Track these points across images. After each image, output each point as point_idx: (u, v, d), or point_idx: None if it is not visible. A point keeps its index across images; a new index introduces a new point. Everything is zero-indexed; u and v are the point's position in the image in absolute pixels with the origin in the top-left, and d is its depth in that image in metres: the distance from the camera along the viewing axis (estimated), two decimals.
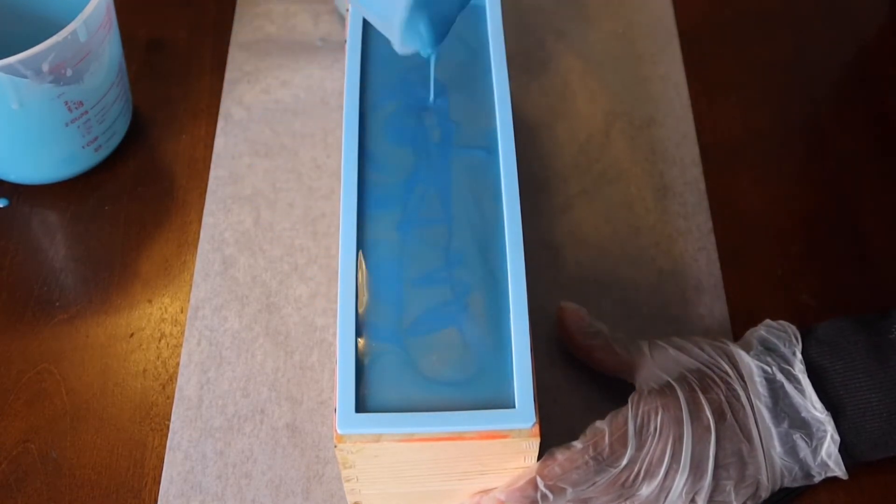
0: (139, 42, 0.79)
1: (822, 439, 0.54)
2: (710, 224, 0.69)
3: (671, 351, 0.57)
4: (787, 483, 0.56)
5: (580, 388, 0.62)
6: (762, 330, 0.58)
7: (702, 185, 0.71)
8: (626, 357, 0.58)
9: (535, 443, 0.51)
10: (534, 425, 0.50)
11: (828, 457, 0.54)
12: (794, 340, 0.57)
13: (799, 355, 0.56)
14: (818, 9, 0.81)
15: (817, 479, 0.56)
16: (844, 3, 0.82)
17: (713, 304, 0.66)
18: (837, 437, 0.54)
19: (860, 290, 0.67)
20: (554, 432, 0.54)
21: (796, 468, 0.55)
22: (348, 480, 0.53)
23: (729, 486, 0.54)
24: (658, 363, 0.57)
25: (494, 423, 0.50)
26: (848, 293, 0.67)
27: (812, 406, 0.54)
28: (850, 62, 0.79)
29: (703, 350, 0.57)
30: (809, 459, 0.55)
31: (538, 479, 0.53)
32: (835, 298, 0.66)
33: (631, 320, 0.65)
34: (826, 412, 0.54)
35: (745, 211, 0.70)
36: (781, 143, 0.74)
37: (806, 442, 0.54)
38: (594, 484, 0.53)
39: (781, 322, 0.58)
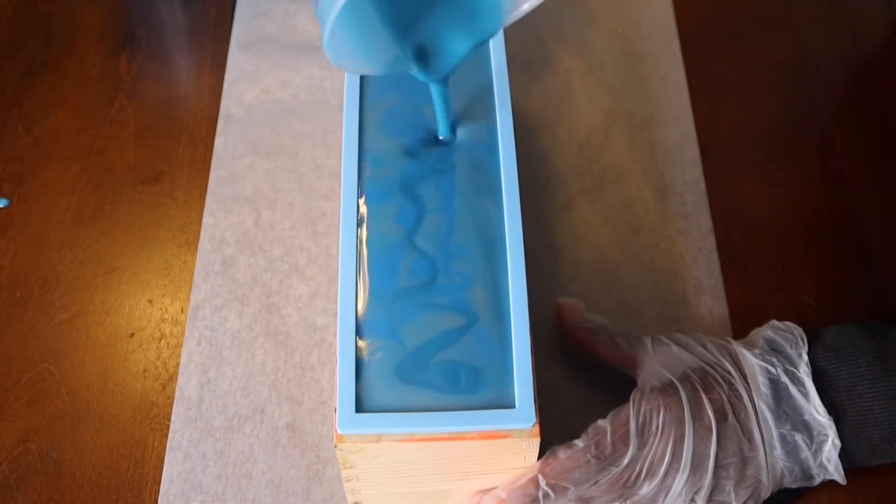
0: (139, 42, 0.79)
1: (822, 443, 0.54)
2: (710, 224, 0.69)
3: (674, 348, 0.57)
4: (788, 483, 0.55)
5: (580, 388, 0.62)
6: (769, 330, 0.58)
7: (702, 185, 0.71)
8: (628, 352, 0.58)
9: (536, 443, 0.51)
10: (534, 425, 0.50)
11: (827, 461, 0.54)
12: (801, 342, 0.56)
13: (805, 358, 0.56)
14: (818, 9, 0.81)
15: (817, 480, 0.55)
16: (844, 4, 0.82)
17: (713, 304, 0.66)
18: (838, 442, 0.54)
19: (860, 289, 0.67)
20: (554, 432, 0.54)
21: (797, 469, 0.55)
22: (348, 480, 0.53)
23: (729, 485, 0.54)
24: (661, 360, 0.57)
25: (494, 423, 0.50)
26: (848, 293, 0.67)
27: (815, 410, 0.54)
28: (850, 62, 0.79)
29: (706, 348, 0.57)
30: (810, 461, 0.55)
31: (540, 478, 0.53)
32: (835, 298, 0.66)
33: (631, 320, 0.65)
34: (828, 416, 0.54)
35: (745, 210, 0.70)
36: (781, 143, 0.74)
37: (806, 444, 0.54)
38: (596, 483, 0.53)
39: (788, 323, 0.58)
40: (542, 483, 0.53)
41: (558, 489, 0.53)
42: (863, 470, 0.58)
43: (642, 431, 0.53)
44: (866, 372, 0.55)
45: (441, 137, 0.58)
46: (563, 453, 0.53)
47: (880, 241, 0.69)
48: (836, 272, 0.68)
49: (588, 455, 0.53)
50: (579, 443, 0.53)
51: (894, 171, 0.72)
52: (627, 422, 0.53)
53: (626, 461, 0.53)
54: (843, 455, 0.55)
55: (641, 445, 0.53)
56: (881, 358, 0.55)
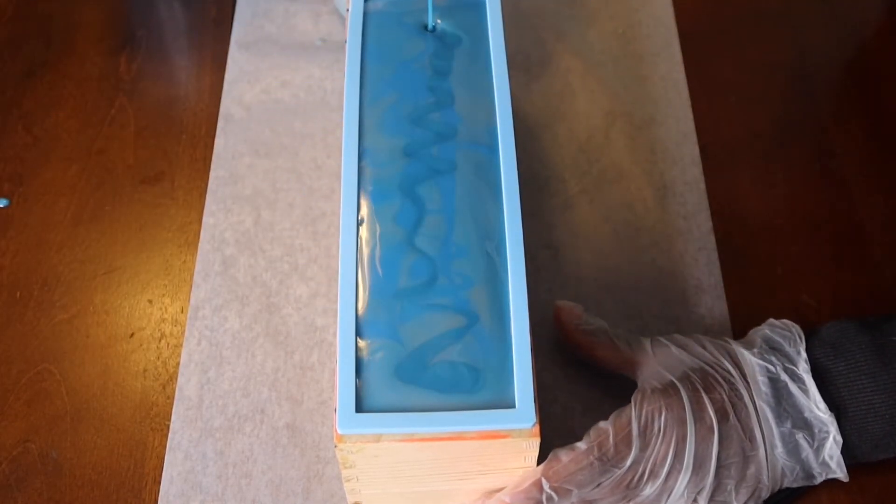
0: (139, 42, 0.79)
1: (824, 440, 0.54)
2: (710, 224, 0.69)
3: (673, 349, 0.57)
4: (788, 483, 0.55)
5: (580, 388, 0.62)
6: (766, 329, 0.58)
7: (702, 185, 0.71)
8: (628, 354, 0.58)
9: (535, 443, 0.51)
10: (534, 425, 0.50)
11: (829, 458, 0.54)
12: (799, 340, 0.57)
13: (803, 355, 0.56)
14: (818, 9, 0.82)
15: (818, 479, 0.55)
16: (844, 3, 0.82)
17: (713, 304, 0.66)
18: (840, 438, 0.54)
19: (860, 289, 0.67)
20: (554, 432, 0.54)
21: (798, 468, 0.55)
22: (348, 480, 0.53)
23: (730, 485, 0.54)
24: (660, 361, 0.57)
25: (494, 423, 0.50)
26: (848, 293, 0.67)
27: (815, 406, 0.54)
28: (850, 62, 0.79)
29: (705, 348, 0.57)
30: (811, 459, 0.55)
31: (543, 481, 0.53)
32: (835, 298, 0.66)
33: (631, 320, 0.65)
34: (829, 413, 0.54)
35: (745, 210, 0.70)
36: (781, 143, 0.74)
37: (808, 442, 0.54)
38: (599, 485, 0.53)
39: (785, 321, 0.58)
40: (546, 486, 0.53)
41: (561, 492, 0.53)
42: (863, 469, 0.58)
43: (644, 433, 0.53)
44: (865, 366, 0.55)
45: (429, 27, 0.61)
46: (565, 456, 0.53)
47: (880, 241, 0.69)
48: (836, 272, 0.68)
49: (591, 457, 0.53)
50: (582, 445, 0.53)
51: (894, 171, 0.72)
52: (629, 423, 0.53)
53: (628, 463, 0.53)
54: (846, 451, 0.55)
55: (644, 447, 0.53)
56: (879, 352, 0.55)
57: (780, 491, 0.57)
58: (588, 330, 0.60)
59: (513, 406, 0.50)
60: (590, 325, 0.60)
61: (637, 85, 0.77)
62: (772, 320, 0.59)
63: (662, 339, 0.58)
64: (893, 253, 0.68)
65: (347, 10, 0.63)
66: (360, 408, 0.50)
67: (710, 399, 0.54)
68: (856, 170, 0.72)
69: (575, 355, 0.62)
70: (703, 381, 0.55)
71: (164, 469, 0.60)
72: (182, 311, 0.66)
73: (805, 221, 0.70)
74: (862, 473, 0.58)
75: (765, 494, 0.55)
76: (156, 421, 0.62)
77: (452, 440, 0.50)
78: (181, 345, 0.65)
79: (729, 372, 0.55)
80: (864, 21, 0.81)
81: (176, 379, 0.63)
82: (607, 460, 0.53)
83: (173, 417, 0.62)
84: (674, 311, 0.66)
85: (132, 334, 0.65)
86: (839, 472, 0.55)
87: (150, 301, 0.67)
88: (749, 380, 0.55)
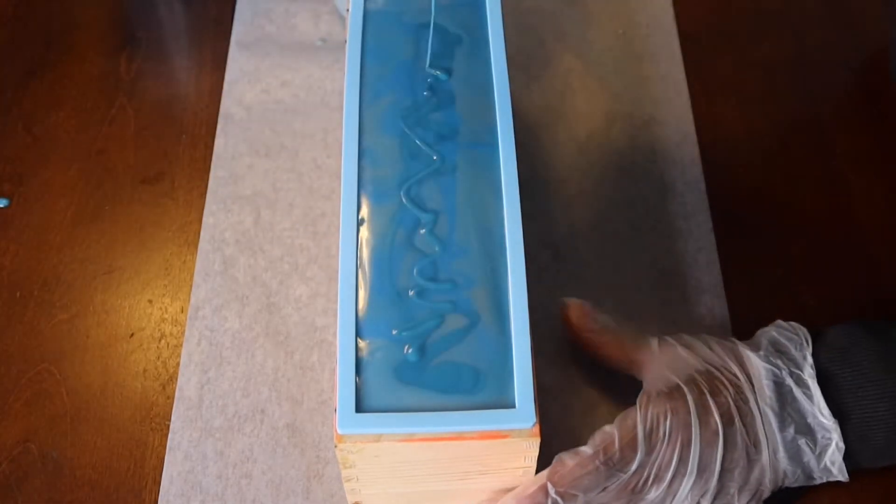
0: (139, 42, 0.79)
1: (826, 446, 0.54)
2: (710, 224, 0.69)
3: (680, 350, 0.57)
4: (790, 484, 0.55)
5: (580, 388, 0.62)
6: (773, 331, 0.57)
7: (702, 185, 0.71)
8: (634, 353, 0.58)
9: (536, 442, 0.51)
10: (534, 425, 0.50)
11: (831, 463, 0.54)
12: (805, 343, 0.56)
13: (809, 359, 0.55)
14: (818, 9, 0.82)
15: (818, 481, 0.55)
16: (844, 3, 0.82)
17: (713, 304, 0.66)
18: (842, 445, 0.54)
19: (861, 289, 0.67)
20: (554, 432, 0.54)
21: (799, 471, 0.55)
22: (348, 480, 0.53)
23: (733, 488, 0.54)
24: (666, 362, 0.56)
25: (494, 423, 0.50)
26: (848, 293, 0.67)
27: (819, 412, 0.54)
28: (850, 62, 0.79)
29: (712, 350, 0.56)
30: (813, 464, 0.54)
31: (549, 486, 0.52)
32: (835, 298, 0.66)
33: (631, 320, 0.65)
34: (833, 419, 0.54)
35: (745, 211, 0.70)
36: (781, 143, 0.74)
37: (810, 448, 0.54)
38: (604, 489, 0.53)
39: (792, 324, 0.58)
40: (552, 491, 0.52)
41: (567, 497, 0.53)
42: (864, 469, 0.58)
43: (650, 437, 0.53)
44: (871, 373, 0.55)
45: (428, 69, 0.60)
46: (571, 460, 0.53)
47: (880, 241, 0.69)
48: (836, 272, 0.68)
49: (596, 462, 0.52)
50: (587, 449, 0.53)
51: (894, 171, 0.72)
52: (635, 427, 0.53)
53: (634, 467, 0.53)
54: (848, 457, 0.55)
55: (649, 451, 0.53)
56: (884, 359, 0.55)
57: (781, 491, 0.57)
58: (595, 328, 0.60)
59: (513, 406, 0.50)
60: (597, 323, 0.60)
61: (637, 85, 0.77)
62: (779, 322, 0.58)
63: (669, 339, 0.58)
64: (893, 253, 0.68)
65: (347, 11, 0.63)
66: (360, 408, 0.50)
67: (716, 403, 0.54)
68: (856, 170, 0.72)
69: (580, 353, 0.62)
70: (709, 385, 0.55)
71: (164, 469, 0.60)
72: (182, 311, 0.66)
73: (805, 222, 0.70)
74: (863, 474, 0.58)
75: (766, 496, 0.55)
76: (156, 421, 0.62)
77: (452, 440, 0.50)
78: (181, 345, 0.65)
79: (735, 375, 0.55)
80: (864, 20, 0.81)
81: (176, 379, 0.63)
82: (613, 465, 0.52)
83: (173, 417, 0.62)
84: (674, 311, 0.66)
85: (132, 334, 0.65)
86: (840, 476, 0.55)
87: (150, 301, 0.67)
88: (755, 383, 0.55)
